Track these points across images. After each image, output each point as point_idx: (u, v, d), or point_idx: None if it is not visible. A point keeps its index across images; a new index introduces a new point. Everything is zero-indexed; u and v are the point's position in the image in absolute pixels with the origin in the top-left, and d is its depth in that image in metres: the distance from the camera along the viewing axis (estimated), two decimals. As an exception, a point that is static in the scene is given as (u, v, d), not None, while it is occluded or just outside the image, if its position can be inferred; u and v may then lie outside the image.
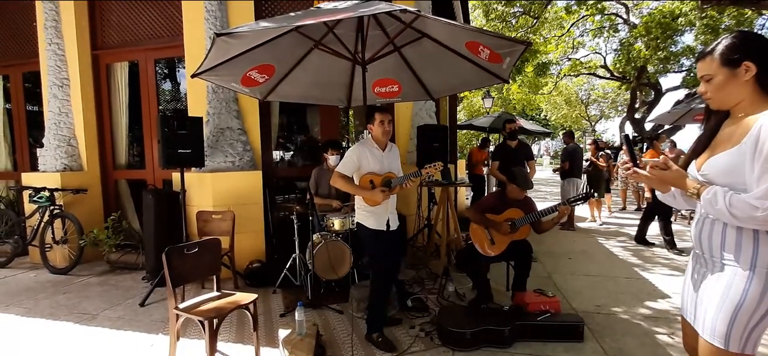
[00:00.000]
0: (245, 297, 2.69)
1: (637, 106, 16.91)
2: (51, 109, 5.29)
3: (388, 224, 2.89)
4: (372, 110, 2.97)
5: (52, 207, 4.91)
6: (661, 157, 1.48)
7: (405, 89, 4.28)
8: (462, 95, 18.97)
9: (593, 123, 28.93)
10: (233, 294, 2.77)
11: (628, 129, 17.48)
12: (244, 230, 4.55)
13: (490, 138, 9.89)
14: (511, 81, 17.15)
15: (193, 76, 3.19)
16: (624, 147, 1.66)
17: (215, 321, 2.43)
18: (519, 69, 15.78)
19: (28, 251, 5.34)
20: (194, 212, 4.42)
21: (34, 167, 5.74)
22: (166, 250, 2.52)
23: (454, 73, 3.92)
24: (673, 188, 1.55)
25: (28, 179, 5.26)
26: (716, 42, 1.37)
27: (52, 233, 4.93)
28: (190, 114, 4.73)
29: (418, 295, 3.77)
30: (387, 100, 4.46)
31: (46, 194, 4.88)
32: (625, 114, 19.05)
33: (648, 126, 15.95)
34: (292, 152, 6.43)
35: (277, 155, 6.29)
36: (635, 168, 1.50)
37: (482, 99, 14.17)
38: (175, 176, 4.54)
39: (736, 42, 1.32)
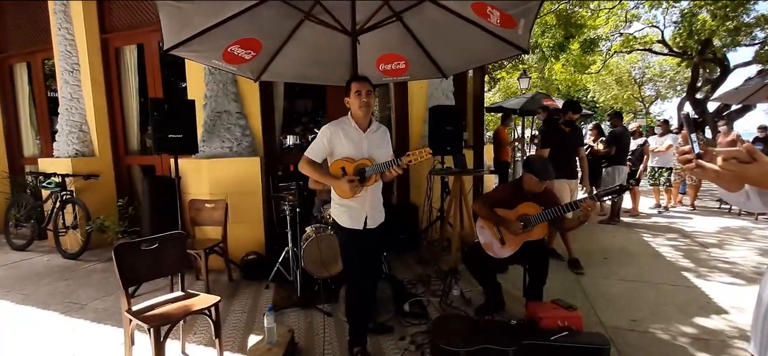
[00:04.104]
0: (206, 300, 2.41)
1: (699, 85, 15.09)
2: (63, 94, 5.30)
3: (365, 223, 2.45)
4: (349, 81, 2.46)
5: (62, 193, 4.93)
6: (744, 144, 1.00)
7: (413, 65, 3.83)
8: (498, 75, 17.96)
9: (647, 105, 26.54)
10: (197, 296, 2.49)
11: (688, 110, 15.72)
12: (242, 219, 4.32)
13: (512, 116, 9.02)
14: (553, 59, 15.94)
15: (165, 51, 2.90)
16: (684, 130, 1.17)
17: (163, 328, 2.15)
18: (563, 47, 14.56)
19: (47, 235, 5.44)
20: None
21: (56, 153, 5.84)
22: (116, 247, 2.28)
23: (465, 44, 3.44)
24: (747, 186, 1.07)
25: (43, 164, 5.33)
26: None
27: (63, 218, 4.96)
28: (189, 97, 4.52)
29: (418, 298, 3.35)
30: (394, 78, 4.04)
31: (57, 179, 4.90)
32: (684, 94, 17.16)
33: (711, 107, 14.24)
34: (299, 138, 6.12)
35: (284, 140, 6.04)
36: (699, 161, 1.02)
37: (518, 79, 13.15)
38: (180, 162, 4.36)
39: None
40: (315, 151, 2.41)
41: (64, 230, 5.04)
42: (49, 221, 5.11)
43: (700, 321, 3.04)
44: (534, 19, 2.61)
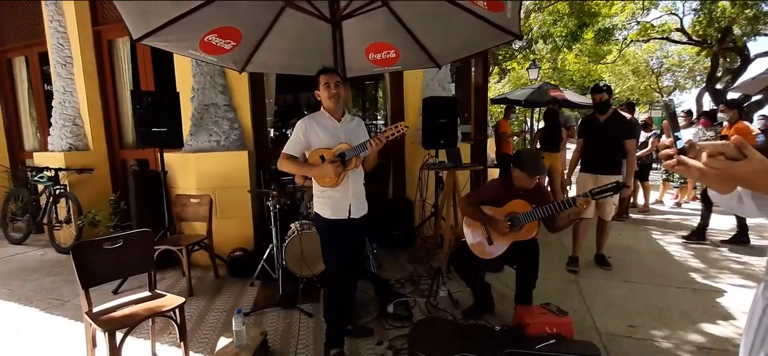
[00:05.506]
0: (171, 301, 2.30)
1: (719, 74, 14.46)
2: (56, 88, 5.27)
3: (349, 212, 2.38)
4: (318, 73, 2.43)
5: (55, 187, 4.91)
6: (732, 137, 0.83)
7: (404, 54, 3.68)
8: (509, 66, 17.57)
9: (665, 95, 25.71)
10: (164, 296, 2.39)
11: (707, 101, 15.10)
12: (230, 215, 4.23)
13: (516, 109, 8.69)
14: (566, 50, 15.44)
15: (135, 41, 2.80)
16: (664, 122, 0.98)
17: (120, 332, 2.05)
18: (576, 36, 14.09)
19: (44, 229, 5.45)
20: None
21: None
22: (74, 246, 2.19)
23: (456, 31, 3.28)
24: (739, 188, 0.91)
25: (38, 158, 5.33)
26: None
27: (56, 212, 4.95)
28: (177, 89, 4.42)
29: (404, 299, 3.20)
30: (385, 68, 3.88)
31: (49, 174, 4.88)
32: (704, 85, 16.48)
33: (731, 96, 13.64)
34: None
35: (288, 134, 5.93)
36: (681, 157, 0.88)
37: (527, 70, 12.79)
38: (168, 156, 4.28)
39: None
40: (292, 146, 2.39)
41: (58, 224, 5.03)
42: (43, 215, 5.11)
43: (705, 326, 2.82)
44: (520, 2, 2.42)
